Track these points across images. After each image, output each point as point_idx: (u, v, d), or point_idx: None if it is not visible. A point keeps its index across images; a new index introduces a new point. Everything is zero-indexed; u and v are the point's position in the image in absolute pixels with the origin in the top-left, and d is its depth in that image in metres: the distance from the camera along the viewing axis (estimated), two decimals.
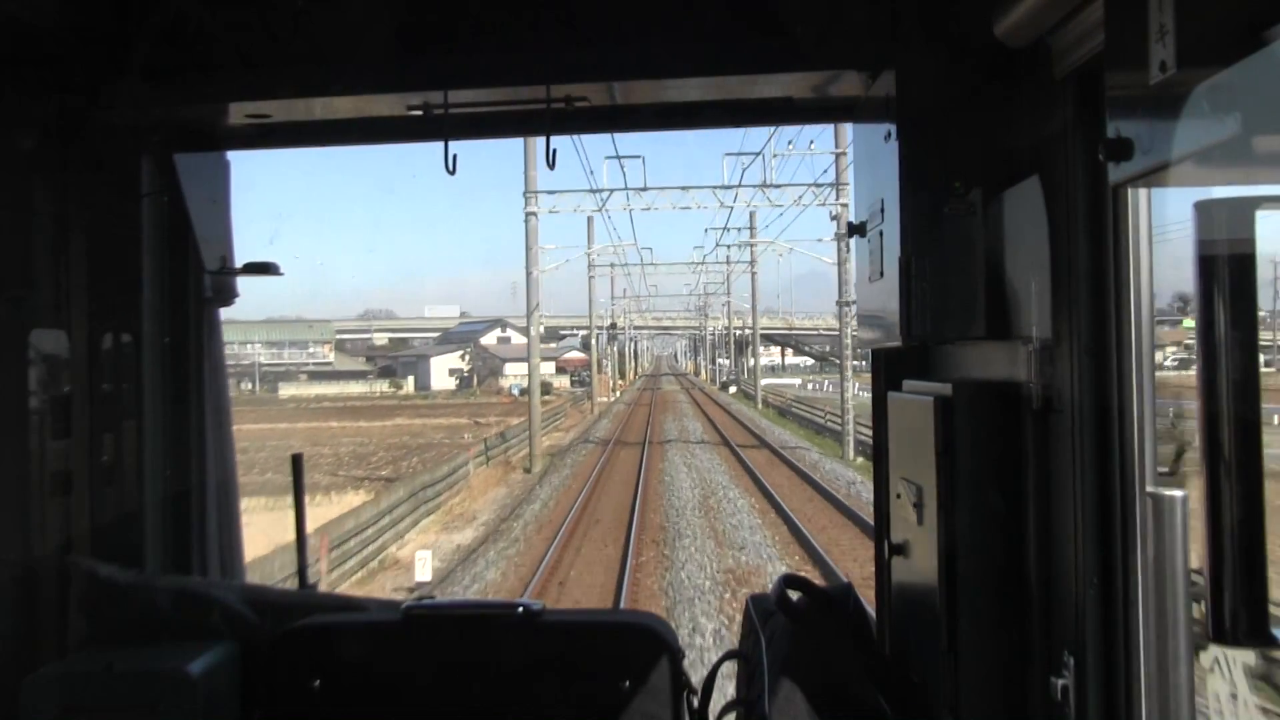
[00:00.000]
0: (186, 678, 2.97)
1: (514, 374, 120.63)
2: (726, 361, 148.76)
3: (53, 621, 3.27)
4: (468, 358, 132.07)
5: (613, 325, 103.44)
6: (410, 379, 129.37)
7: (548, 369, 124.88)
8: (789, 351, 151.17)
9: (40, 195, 3.43)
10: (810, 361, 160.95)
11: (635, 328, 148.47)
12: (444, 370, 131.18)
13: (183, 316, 3.63)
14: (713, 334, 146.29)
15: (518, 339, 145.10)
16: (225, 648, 3.13)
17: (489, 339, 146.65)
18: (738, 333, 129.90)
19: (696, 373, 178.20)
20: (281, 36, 3.11)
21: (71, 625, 3.24)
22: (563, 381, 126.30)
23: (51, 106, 3.29)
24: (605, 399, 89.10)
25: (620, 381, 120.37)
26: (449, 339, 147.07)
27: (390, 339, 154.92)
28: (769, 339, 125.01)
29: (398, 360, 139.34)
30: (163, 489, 3.58)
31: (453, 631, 3.20)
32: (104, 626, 3.22)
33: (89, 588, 3.23)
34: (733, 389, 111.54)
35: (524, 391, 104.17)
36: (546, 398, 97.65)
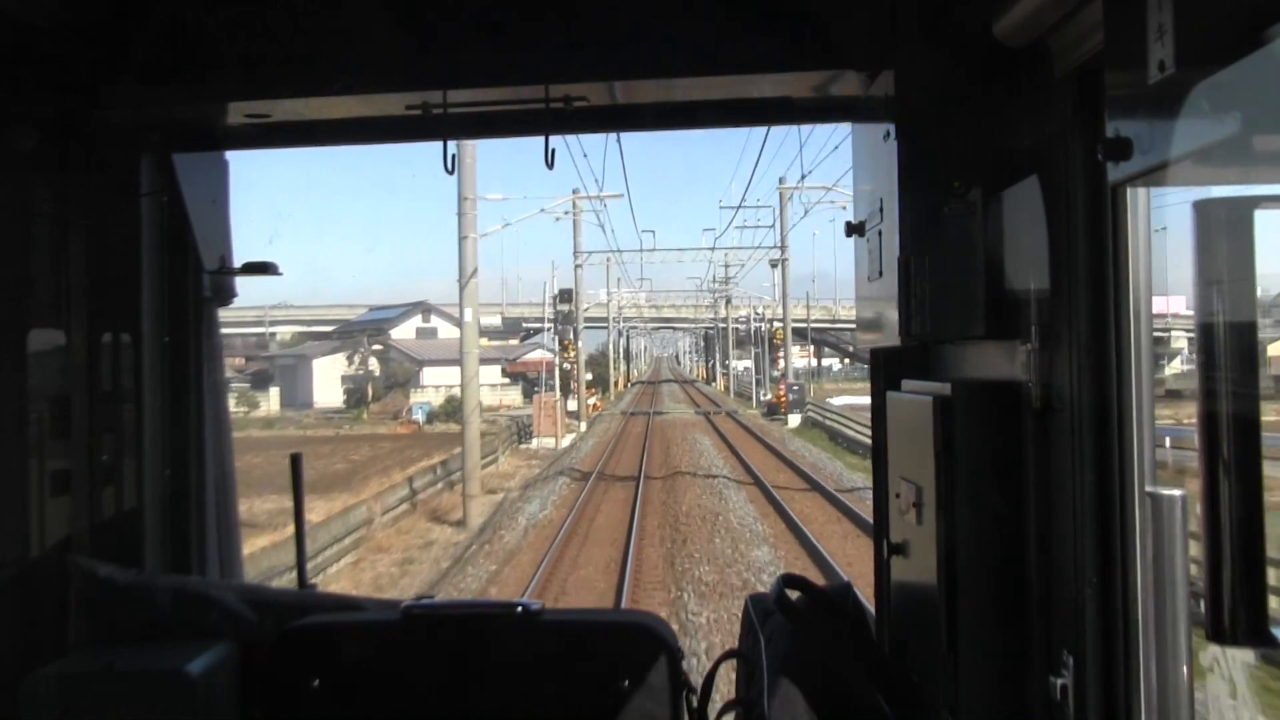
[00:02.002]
0: (186, 677, 2.96)
1: (436, 383, 79.82)
2: (743, 364, 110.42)
3: (52, 621, 3.26)
4: (356, 360, 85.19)
5: (564, 296, 60.11)
6: (274, 391, 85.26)
7: (491, 375, 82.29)
8: (806, 351, 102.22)
9: (39, 195, 3.43)
10: (838, 365, 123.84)
11: (626, 319, 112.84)
12: (336, 376, 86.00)
13: (182, 316, 3.63)
14: (748, 324, 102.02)
15: (448, 331, 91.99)
16: (224, 647, 3.12)
17: (404, 330, 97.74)
18: (761, 326, 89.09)
19: (709, 379, 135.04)
20: (281, 36, 3.11)
21: (71, 625, 3.23)
22: (512, 396, 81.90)
23: (50, 106, 3.29)
24: (551, 442, 47.25)
25: (597, 400, 77.46)
26: (346, 331, 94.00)
27: (296, 334, 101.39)
28: (802, 335, 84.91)
29: (274, 364, 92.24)
30: (162, 488, 3.58)
31: (452, 631, 3.20)
32: (103, 626, 3.22)
33: (88, 587, 3.23)
34: (795, 418, 56.94)
35: (433, 416, 65.55)
36: (488, 422, 60.57)
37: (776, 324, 76.78)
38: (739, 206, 66.70)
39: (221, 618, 3.20)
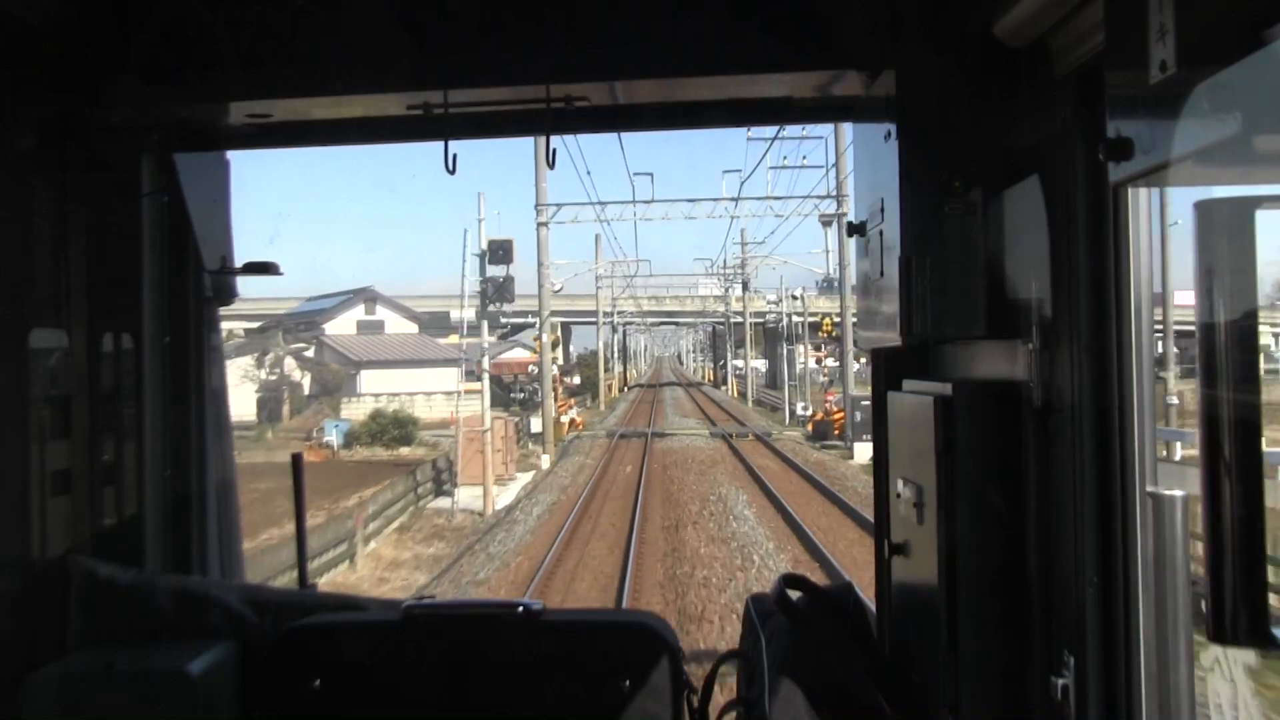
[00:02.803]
0: (186, 677, 2.96)
1: (376, 389, 62.24)
2: (756, 364, 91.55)
3: (53, 621, 3.26)
4: (268, 364, 63.10)
5: (498, 253, 35.27)
6: None
7: (451, 380, 56.93)
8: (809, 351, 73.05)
9: (40, 195, 3.42)
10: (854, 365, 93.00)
11: (621, 313, 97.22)
12: (251, 382, 62.80)
13: (182, 316, 3.63)
14: (778, 316, 78.12)
15: (398, 325, 78.37)
16: (225, 647, 3.12)
17: (343, 323, 75.52)
18: (790, 317, 71.33)
19: (718, 383, 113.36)
20: (281, 36, 3.11)
21: (71, 625, 3.23)
22: (475, 406, 38.22)
23: (51, 106, 3.29)
24: (482, 495, 29.57)
25: (577, 415, 59.18)
26: (273, 328, 67.59)
27: (232, 332, 60.79)
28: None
29: None
30: (163, 488, 3.58)
31: (453, 631, 3.20)
32: (104, 626, 3.22)
33: (89, 587, 3.23)
34: (864, 449, 34.70)
35: (353, 438, 48.49)
36: (428, 446, 45.39)
37: (815, 315, 59.98)
38: (775, 138, 42.77)
39: (222, 618, 3.20)
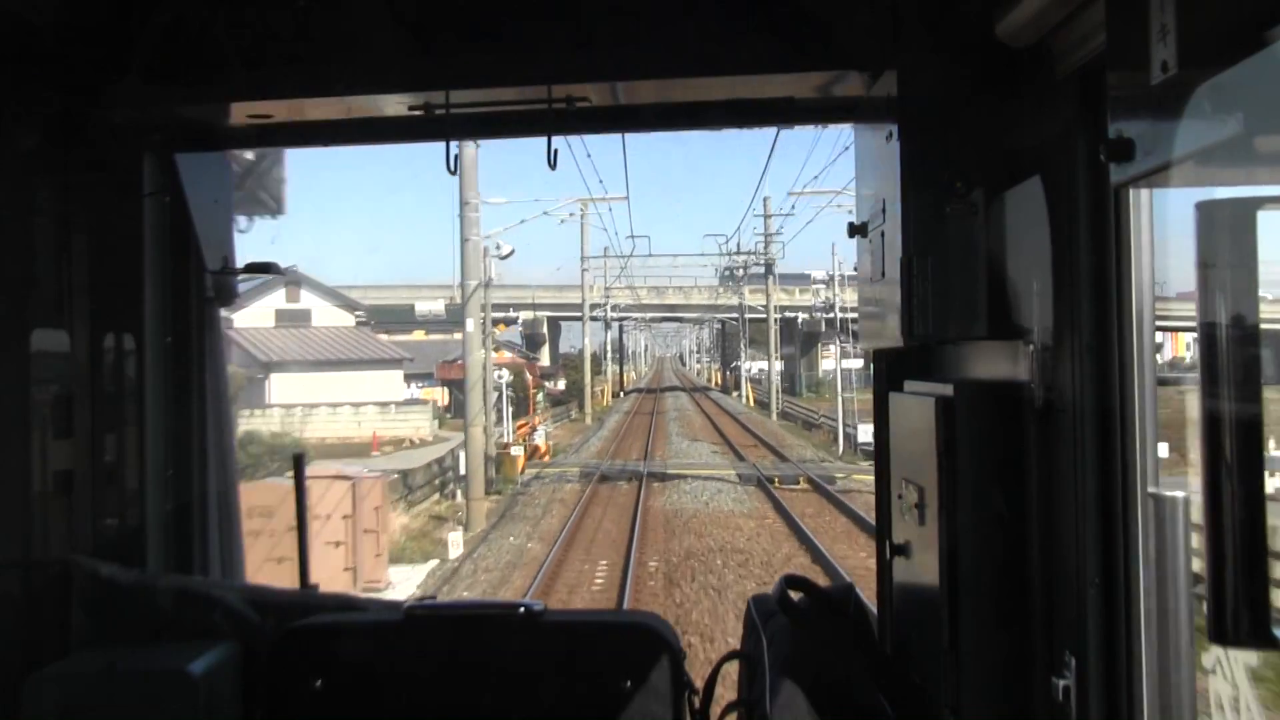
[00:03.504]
0: (188, 678, 2.97)
1: (290, 399, 46.89)
2: (758, 365, 79.40)
3: (54, 621, 3.27)
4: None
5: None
6: None
7: (392, 386, 51.22)
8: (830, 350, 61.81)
9: (42, 195, 3.43)
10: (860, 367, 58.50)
11: (614, 306, 78.36)
12: None
13: (184, 316, 3.64)
14: (827, 307, 56.65)
15: (328, 315, 59.80)
16: (227, 648, 3.13)
17: (258, 312, 53.59)
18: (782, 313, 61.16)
19: (727, 387, 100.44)
20: (283, 36, 3.11)
21: (73, 625, 3.24)
22: (416, 422, 46.47)
23: (53, 106, 3.29)
24: None
25: (544, 441, 41.68)
26: None
27: None
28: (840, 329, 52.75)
29: None
30: (164, 488, 3.58)
31: (454, 632, 3.20)
32: (106, 626, 3.22)
33: (90, 587, 3.23)
34: None
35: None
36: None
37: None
38: None
39: (223, 618, 3.21)
